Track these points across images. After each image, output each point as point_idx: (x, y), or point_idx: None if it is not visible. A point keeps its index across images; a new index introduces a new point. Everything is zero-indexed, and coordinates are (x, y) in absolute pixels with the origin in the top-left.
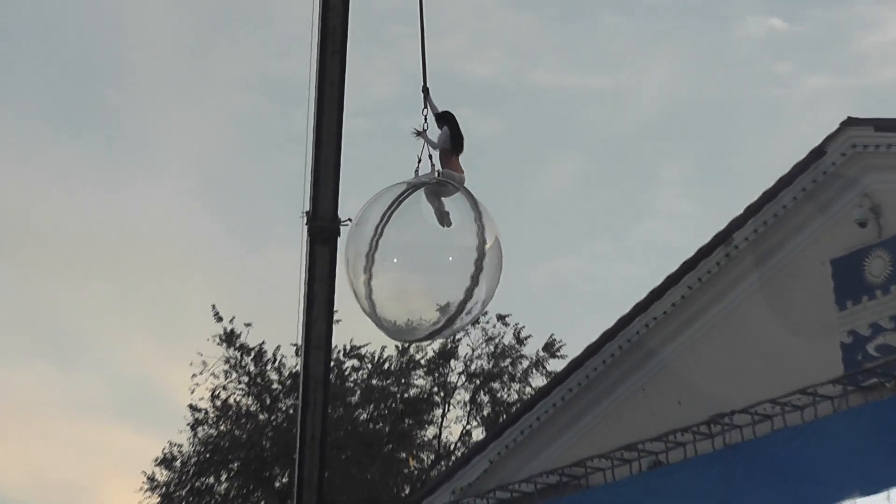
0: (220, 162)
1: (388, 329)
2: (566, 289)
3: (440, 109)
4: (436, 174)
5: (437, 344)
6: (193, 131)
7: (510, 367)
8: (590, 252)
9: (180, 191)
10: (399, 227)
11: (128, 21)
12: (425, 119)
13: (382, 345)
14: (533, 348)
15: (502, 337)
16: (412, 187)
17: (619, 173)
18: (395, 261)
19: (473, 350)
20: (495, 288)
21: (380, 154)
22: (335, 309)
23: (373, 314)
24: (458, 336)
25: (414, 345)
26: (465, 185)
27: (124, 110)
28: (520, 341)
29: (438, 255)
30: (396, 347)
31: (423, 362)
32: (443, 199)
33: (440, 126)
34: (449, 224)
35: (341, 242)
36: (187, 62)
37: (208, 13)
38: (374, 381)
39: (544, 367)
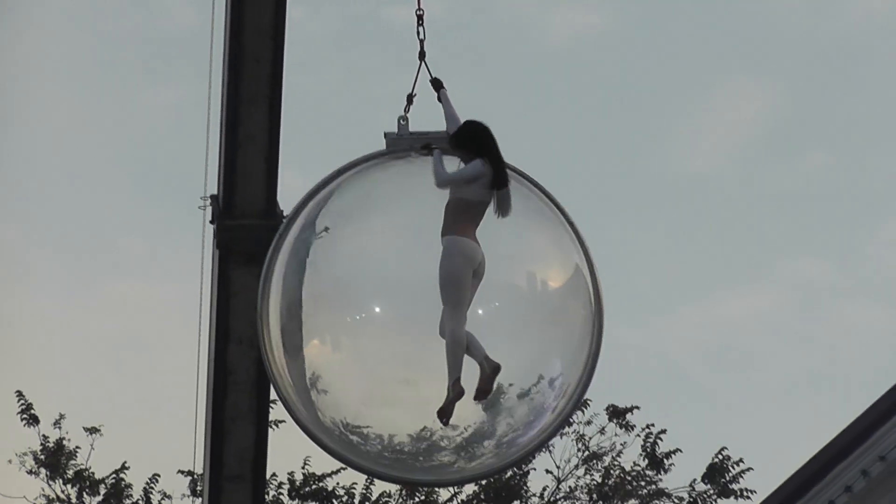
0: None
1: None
2: (745, 354)
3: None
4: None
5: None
6: None
7: None
8: (784, 279)
9: None
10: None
11: None
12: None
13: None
14: (684, 475)
15: (619, 453)
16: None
17: (839, 118)
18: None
19: (559, 482)
20: (595, 360)
21: (346, 81)
22: (273, 400)
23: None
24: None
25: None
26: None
27: None
28: (656, 462)
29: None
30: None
31: None
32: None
33: (461, 146)
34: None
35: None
36: None
37: None
38: None
39: None
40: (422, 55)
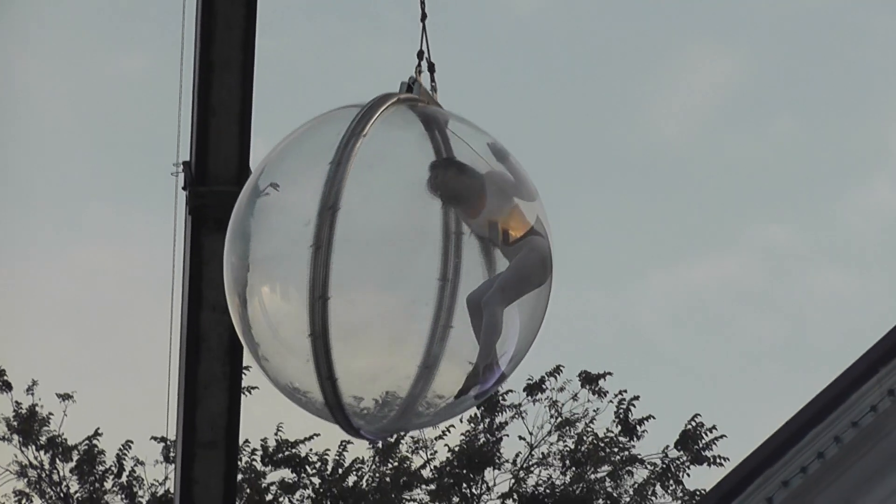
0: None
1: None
2: (716, 321)
3: None
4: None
5: (455, 436)
6: None
7: (609, 482)
8: (753, 246)
9: None
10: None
11: None
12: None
13: (343, 439)
14: (657, 442)
15: (592, 419)
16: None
17: (805, 84)
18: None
19: (532, 448)
20: (540, 321)
21: (319, 46)
22: (246, 367)
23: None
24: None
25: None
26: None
27: None
28: (629, 429)
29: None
30: (373, 446)
31: (428, 473)
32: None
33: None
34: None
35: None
36: None
37: None
38: None
39: (679, 480)
40: (423, 17)
